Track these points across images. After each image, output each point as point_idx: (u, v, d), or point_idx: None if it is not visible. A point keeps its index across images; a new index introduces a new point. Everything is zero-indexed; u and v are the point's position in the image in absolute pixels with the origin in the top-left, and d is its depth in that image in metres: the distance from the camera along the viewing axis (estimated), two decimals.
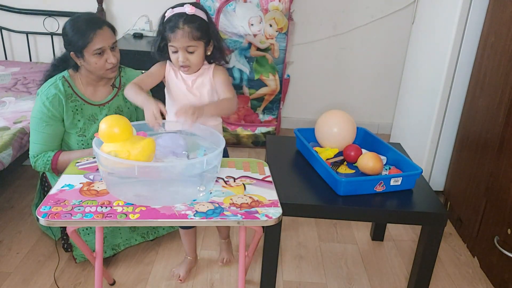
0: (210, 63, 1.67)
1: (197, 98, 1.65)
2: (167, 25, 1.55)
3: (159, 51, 1.64)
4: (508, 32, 1.94)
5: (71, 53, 1.75)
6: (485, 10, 2.17)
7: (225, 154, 1.85)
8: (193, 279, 1.92)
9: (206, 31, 1.57)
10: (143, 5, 3.16)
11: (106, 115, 1.86)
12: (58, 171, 1.84)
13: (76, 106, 1.82)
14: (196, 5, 1.59)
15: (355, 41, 3.30)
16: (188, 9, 1.55)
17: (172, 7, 1.59)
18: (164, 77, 1.67)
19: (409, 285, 1.75)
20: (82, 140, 1.85)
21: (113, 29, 1.79)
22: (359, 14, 3.22)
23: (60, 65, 1.86)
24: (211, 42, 1.61)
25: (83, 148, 1.85)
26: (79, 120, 1.83)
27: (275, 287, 1.75)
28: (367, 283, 1.96)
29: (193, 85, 1.64)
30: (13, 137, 2.10)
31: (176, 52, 1.57)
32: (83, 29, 1.70)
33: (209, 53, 1.63)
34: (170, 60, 1.63)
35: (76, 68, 1.82)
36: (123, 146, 1.28)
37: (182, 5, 1.58)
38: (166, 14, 1.58)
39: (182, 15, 1.54)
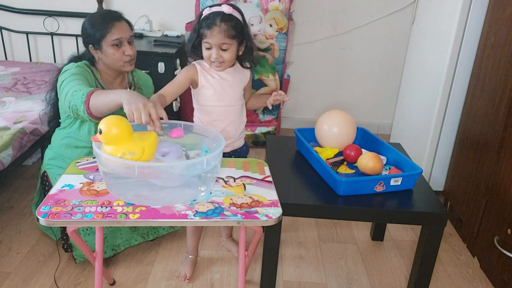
0: (240, 63, 1.74)
1: (236, 93, 1.74)
2: (204, 22, 1.60)
3: (193, 48, 1.68)
4: (508, 32, 1.94)
5: (90, 46, 1.78)
6: (485, 10, 2.17)
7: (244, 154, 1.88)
8: (193, 279, 1.92)
9: (240, 31, 1.62)
10: (143, 5, 3.17)
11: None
12: (91, 111, 1.63)
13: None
14: (233, 6, 1.65)
15: (355, 41, 3.30)
16: (226, 9, 1.60)
17: (210, 6, 1.63)
18: (194, 82, 1.70)
19: (409, 285, 1.75)
20: (96, 128, 1.83)
21: (130, 25, 1.84)
22: (359, 14, 3.22)
23: (76, 61, 1.87)
24: (244, 43, 1.66)
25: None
26: None
27: (275, 287, 1.75)
28: (367, 283, 1.96)
29: (234, 81, 1.72)
30: (13, 137, 2.10)
31: (209, 48, 1.61)
32: (101, 20, 1.76)
33: (240, 53, 1.68)
34: (201, 58, 1.68)
35: (93, 64, 1.84)
36: (135, 143, 1.28)
37: (219, 5, 1.63)
38: (203, 12, 1.63)
39: (220, 13, 1.59)
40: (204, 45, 1.62)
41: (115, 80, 1.90)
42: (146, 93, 2.02)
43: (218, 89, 1.70)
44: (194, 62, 1.72)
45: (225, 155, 1.79)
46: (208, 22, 1.59)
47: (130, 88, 1.94)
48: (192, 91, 1.76)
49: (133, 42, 1.84)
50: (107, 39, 1.75)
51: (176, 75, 2.93)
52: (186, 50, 1.71)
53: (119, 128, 1.27)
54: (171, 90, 1.67)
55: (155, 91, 1.69)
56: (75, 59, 1.88)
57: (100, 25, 1.75)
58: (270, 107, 1.78)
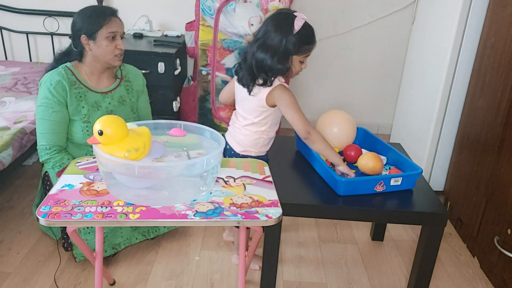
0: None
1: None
2: (310, 37, 1.65)
3: (282, 64, 1.62)
4: (508, 32, 1.94)
5: (82, 36, 1.78)
6: (485, 10, 2.17)
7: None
8: (193, 279, 1.92)
9: None
10: (143, 5, 3.17)
11: (109, 103, 1.91)
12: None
13: (79, 93, 1.85)
14: None
15: (355, 41, 3.30)
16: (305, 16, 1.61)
17: (293, 12, 1.61)
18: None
19: (409, 285, 1.75)
20: (87, 127, 1.86)
21: (122, 23, 1.88)
22: (359, 14, 3.22)
23: (62, 58, 1.89)
24: None
25: (88, 135, 1.86)
26: (83, 107, 1.85)
27: (275, 287, 1.75)
28: (367, 283, 1.96)
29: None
30: (13, 137, 2.10)
31: (302, 62, 1.67)
32: (99, 13, 1.79)
33: None
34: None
35: (80, 58, 1.85)
36: (136, 139, 1.28)
37: (294, 11, 1.61)
38: (299, 23, 1.59)
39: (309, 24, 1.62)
40: (300, 59, 1.66)
41: (102, 74, 1.90)
42: (135, 85, 2.01)
43: (243, 103, 1.78)
44: (280, 82, 1.69)
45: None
46: (312, 35, 1.64)
47: (117, 82, 1.95)
48: (267, 112, 1.73)
49: (124, 38, 1.88)
50: (103, 31, 1.77)
51: (176, 75, 2.91)
52: (279, 70, 1.62)
53: (120, 128, 1.27)
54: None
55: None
56: (61, 56, 1.89)
57: (98, 16, 1.77)
58: None
